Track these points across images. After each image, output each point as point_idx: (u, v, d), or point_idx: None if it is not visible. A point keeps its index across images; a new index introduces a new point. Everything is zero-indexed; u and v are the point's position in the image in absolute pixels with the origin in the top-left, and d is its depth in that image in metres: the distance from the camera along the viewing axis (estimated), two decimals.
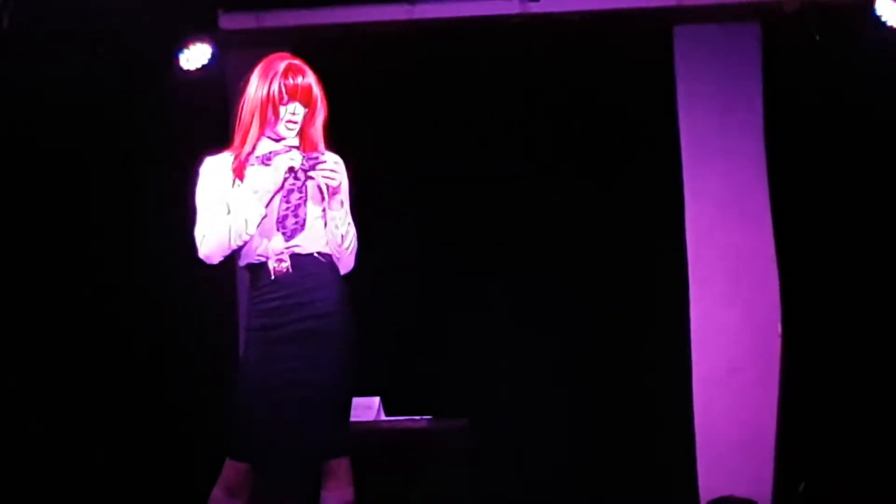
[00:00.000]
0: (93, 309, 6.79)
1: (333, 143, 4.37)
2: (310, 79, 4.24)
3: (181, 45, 6.77)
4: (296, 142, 4.28)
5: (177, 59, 6.79)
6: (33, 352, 6.76)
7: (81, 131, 6.75)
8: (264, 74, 4.23)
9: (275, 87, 4.19)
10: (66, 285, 6.82)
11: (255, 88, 4.23)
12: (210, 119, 6.35)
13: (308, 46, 6.57)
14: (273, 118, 4.22)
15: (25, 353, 6.75)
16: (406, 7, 6.72)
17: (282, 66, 4.21)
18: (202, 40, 6.78)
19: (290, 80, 4.19)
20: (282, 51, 4.54)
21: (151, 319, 6.71)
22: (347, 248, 4.28)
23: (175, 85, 6.73)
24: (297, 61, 4.26)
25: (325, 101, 4.27)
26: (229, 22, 6.80)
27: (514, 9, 6.69)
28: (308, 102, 4.22)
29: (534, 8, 6.65)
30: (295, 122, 4.22)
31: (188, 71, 6.79)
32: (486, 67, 6.87)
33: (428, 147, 6.92)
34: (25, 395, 6.73)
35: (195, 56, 6.79)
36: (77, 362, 6.79)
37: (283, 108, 4.21)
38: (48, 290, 6.80)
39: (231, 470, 4.20)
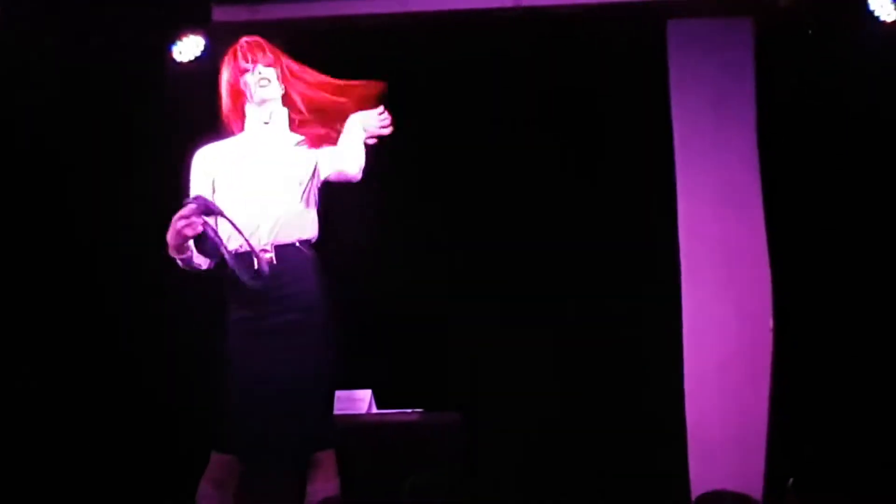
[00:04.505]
0: (80, 299, 6.79)
1: None
2: (265, 44, 4.41)
3: (174, 37, 6.76)
4: (278, 110, 4.37)
5: (169, 51, 6.78)
6: (19, 345, 6.76)
7: (73, 123, 6.74)
8: (225, 60, 4.47)
9: (233, 63, 4.44)
10: (54, 277, 6.81)
11: (223, 74, 4.44)
12: (202, 111, 6.33)
13: (301, 38, 6.59)
14: (240, 87, 4.39)
15: (11, 347, 6.75)
16: None
17: (236, 45, 4.45)
18: (195, 32, 6.77)
19: (243, 50, 4.45)
20: (274, 43, 4.61)
21: (139, 310, 6.71)
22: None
23: (167, 77, 6.73)
24: (248, 39, 4.45)
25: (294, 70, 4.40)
26: (222, 14, 6.77)
27: (507, 2, 6.69)
28: (269, 63, 4.35)
29: (527, 1, 6.65)
30: (267, 79, 4.34)
31: (181, 63, 6.78)
32: (479, 60, 6.86)
33: (421, 139, 6.91)
34: (9, 388, 6.73)
35: (188, 48, 6.78)
36: (63, 354, 6.79)
37: (249, 75, 4.38)
38: (34, 282, 6.80)
39: (217, 462, 4.22)
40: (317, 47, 6.67)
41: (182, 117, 6.47)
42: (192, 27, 6.77)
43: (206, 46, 6.77)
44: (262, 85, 4.37)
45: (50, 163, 6.81)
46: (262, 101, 4.38)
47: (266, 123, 4.41)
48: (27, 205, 6.83)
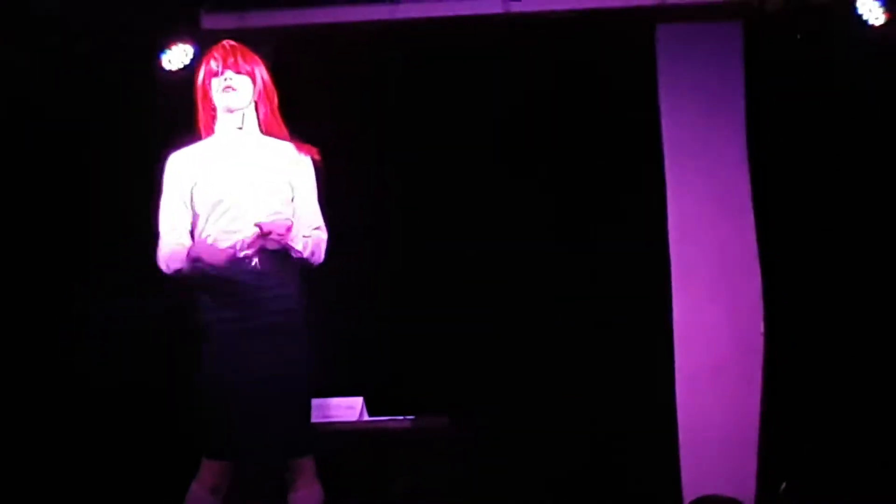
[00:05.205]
0: (73, 300, 6.78)
1: (314, 143, 4.41)
2: (239, 50, 4.32)
3: (163, 45, 6.75)
4: (251, 115, 4.32)
5: (159, 59, 6.78)
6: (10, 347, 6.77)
7: (61, 131, 6.74)
8: (202, 61, 4.40)
9: (205, 66, 4.35)
10: (50, 276, 6.81)
11: (197, 74, 4.39)
12: (191, 119, 6.32)
13: (291, 46, 6.61)
14: (209, 92, 4.32)
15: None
16: (388, 7, 6.72)
17: (212, 50, 4.37)
18: (184, 40, 6.77)
19: (217, 54, 4.33)
20: (263, 51, 4.58)
21: (133, 309, 6.70)
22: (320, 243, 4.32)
23: (156, 85, 6.72)
24: (226, 42, 4.37)
25: (270, 81, 4.34)
26: (212, 22, 6.78)
27: (496, 8, 6.69)
28: (239, 69, 4.28)
29: (516, 7, 6.66)
30: (232, 88, 4.28)
31: (170, 71, 6.77)
32: (467, 67, 6.87)
33: (410, 146, 6.92)
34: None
35: (177, 56, 6.78)
36: (50, 358, 6.78)
37: (215, 80, 4.29)
38: (27, 281, 6.79)
39: (207, 467, 4.21)
40: (305, 55, 6.72)
41: (170, 125, 6.46)
42: (182, 35, 6.76)
43: (195, 54, 6.76)
44: (225, 91, 4.32)
45: (36, 169, 6.81)
46: (227, 109, 4.34)
47: (240, 128, 4.37)
48: (11, 210, 6.83)
